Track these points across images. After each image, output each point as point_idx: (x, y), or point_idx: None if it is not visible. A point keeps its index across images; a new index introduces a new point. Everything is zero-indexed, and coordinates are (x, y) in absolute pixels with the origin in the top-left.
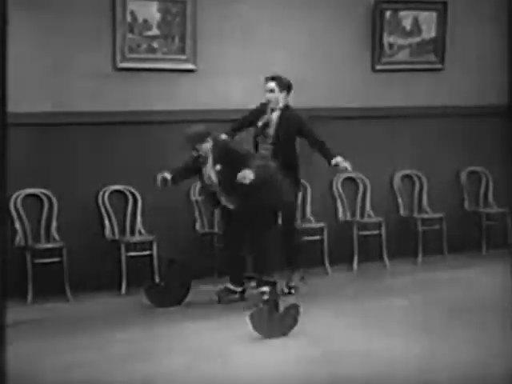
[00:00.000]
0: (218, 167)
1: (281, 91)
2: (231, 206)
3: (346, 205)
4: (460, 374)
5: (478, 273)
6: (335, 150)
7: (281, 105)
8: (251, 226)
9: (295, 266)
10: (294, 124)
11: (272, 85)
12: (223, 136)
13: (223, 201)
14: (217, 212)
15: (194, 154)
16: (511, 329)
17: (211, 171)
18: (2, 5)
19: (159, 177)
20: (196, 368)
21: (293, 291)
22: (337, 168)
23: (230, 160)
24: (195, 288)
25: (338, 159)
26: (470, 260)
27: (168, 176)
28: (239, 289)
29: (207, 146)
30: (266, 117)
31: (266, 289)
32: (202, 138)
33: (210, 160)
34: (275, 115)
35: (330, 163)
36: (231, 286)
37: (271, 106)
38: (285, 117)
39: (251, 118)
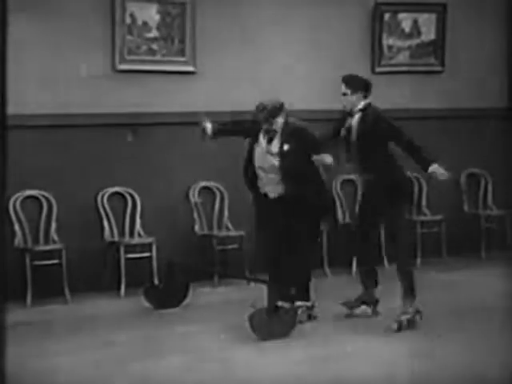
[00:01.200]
0: (286, 147)
1: (353, 93)
2: (273, 194)
3: (346, 207)
4: (459, 375)
5: (477, 275)
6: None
7: (359, 107)
8: (293, 226)
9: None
10: (377, 126)
11: (343, 88)
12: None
13: (266, 184)
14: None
15: (266, 126)
16: (510, 331)
17: (275, 149)
18: (2, 6)
19: (202, 125)
20: (195, 370)
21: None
22: (432, 175)
23: (301, 144)
24: (194, 290)
25: (435, 167)
26: (470, 262)
27: (209, 129)
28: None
29: (281, 121)
30: (346, 123)
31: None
32: (278, 111)
33: (278, 138)
34: (355, 120)
35: (425, 171)
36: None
37: (346, 110)
38: (365, 120)
39: (337, 125)
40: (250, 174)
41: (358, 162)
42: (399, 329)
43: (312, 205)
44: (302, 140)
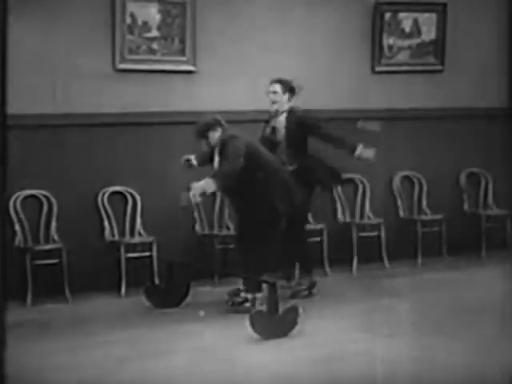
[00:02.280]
0: (217, 160)
1: (284, 93)
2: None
3: (346, 206)
4: (459, 374)
5: (478, 274)
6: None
7: (286, 107)
8: (250, 227)
9: (308, 269)
10: (301, 125)
11: (276, 87)
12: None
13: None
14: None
15: (206, 144)
16: (511, 331)
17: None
18: (2, 5)
19: (183, 159)
20: (195, 369)
21: (314, 291)
22: (360, 158)
23: (226, 155)
24: (195, 289)
25: (360, 148)
26: (470, 262)
27: (193, 160)
28: (252, 295)
29: (215, 135)
30: (272, 122)
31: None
32: (210, 127)
33: (216, 151)
34: (282, 119)
35: (352, 153)
36: (244, 293)
37: (275, 107)
38: (291, 119)
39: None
40: None
41: (287, 157)
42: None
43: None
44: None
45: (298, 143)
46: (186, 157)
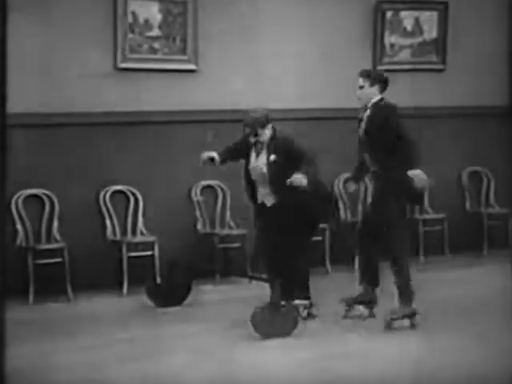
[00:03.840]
0: (273, 157)
1: (371, 86)
2: (269, 203)
3: (348, 205)
4: (461, 373)
5: (480, 273)
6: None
7: (373, 101)
8: (283, 233)
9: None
10: (381, 119)
11: (360, 81)
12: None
13: (262, 195)
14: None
15: (252, 140)
16: None
17: (263, 160)
18: (2, 5)
19: (204, 156)
20: (197, 368)
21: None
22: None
23: (288, 155)
24: (196, 288)
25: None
26: (472, 260)
27: (216, 156)
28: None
29: (267, 132)
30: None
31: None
32: (263, 123)
33: (265, 149)
34: (367, 114)
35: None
36: (298, 302)
37: (363, 103)
38: (376, 115)
39: None
40: (250, 187)
41: (368, 156)
42: (387, 328)
43: (302, 212)
44: (289, 152)
45: (379, 143)
46: (208, 154)
